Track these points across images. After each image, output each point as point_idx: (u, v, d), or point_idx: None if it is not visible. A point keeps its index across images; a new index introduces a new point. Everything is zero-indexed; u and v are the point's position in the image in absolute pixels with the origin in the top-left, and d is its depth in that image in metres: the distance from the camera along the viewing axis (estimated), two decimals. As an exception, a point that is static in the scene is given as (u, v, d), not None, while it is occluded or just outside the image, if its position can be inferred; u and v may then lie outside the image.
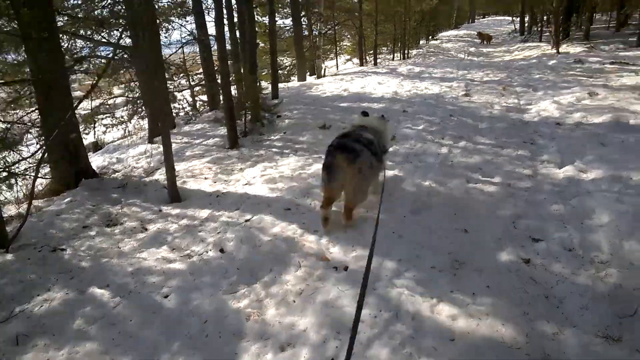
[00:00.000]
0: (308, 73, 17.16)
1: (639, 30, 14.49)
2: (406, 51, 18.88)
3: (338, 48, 19.48)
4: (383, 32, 18.22)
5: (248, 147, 6.71)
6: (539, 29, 26.63)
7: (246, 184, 5.09)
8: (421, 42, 26.87)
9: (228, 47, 7.60)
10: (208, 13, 9.47)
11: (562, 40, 16.31)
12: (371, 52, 17.43)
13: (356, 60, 20.74)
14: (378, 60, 19.79)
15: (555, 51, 15.22)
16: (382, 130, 4.47)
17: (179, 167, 6.29)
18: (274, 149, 6.39)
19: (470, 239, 3.42)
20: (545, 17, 24.02)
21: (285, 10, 14.57)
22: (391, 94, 8.52)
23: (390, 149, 5.44)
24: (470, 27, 42.34)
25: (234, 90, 7.94)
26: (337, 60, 17.43)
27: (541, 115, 6.88)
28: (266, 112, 7.68)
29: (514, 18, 30.88)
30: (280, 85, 10.96)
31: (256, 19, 17.69)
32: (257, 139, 7.07)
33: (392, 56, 19.64)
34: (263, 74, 15.38)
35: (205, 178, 5.62)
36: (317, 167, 5.22)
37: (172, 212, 4.66)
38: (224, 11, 7.16)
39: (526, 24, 26.66)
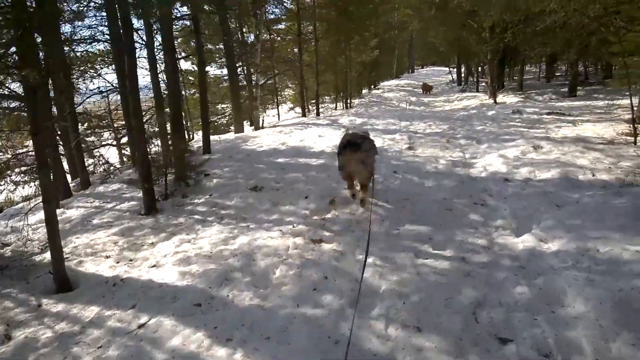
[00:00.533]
0: (248, 123, 16.61)
1: (568, 81, 15.25)
2: (349, 101, 18.90)
3: (280, 97, 19.21)
4: (325, 82, 18.20)
5: (167, 213, 5.83)
6: (475, 79, 28.06)
7: (153, 266, 4.20)
8: (364, 91, 27.37)
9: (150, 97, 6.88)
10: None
11: (498, 90, 16.93)
12: (313, 101, 17.22)
13: (299, 110, 20.55)
14: (320, 110, 19.68)
15: (492, 101, 15.69)
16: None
17: (79, 240, 5.30)
18: (196, 216, 5.55)
19: (423, 343, 2.74)
20: (480, 69, 25.29)
21: (222, 59, 14.10)
22: (332, 148, 8.00)
23: (329, 215, 4.82)
24: (410, 76, 44.31)
25: (156, 147, 7.18)
26: (278, 110, 17.04)
27: (488, 170, 6.55)
28: (193, 170, 6.88)
29: (450, 69, 32.46)
30: (215, 137, 10.24)
31: (189, 68, 17.21)
32: (180, 202, 6.20)
33: (334, 105, 19.58)
34: (200, 123, 14.67)
35: (107, 256, 4.67)
36: (243, 241, 4.45)
37: (52, 310, 3.69)
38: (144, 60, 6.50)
39: (463, 75, 27.96)
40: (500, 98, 16.20)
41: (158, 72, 8.49)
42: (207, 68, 16.56)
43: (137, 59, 10.27)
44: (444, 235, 4.31)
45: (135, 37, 8.49)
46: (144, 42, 8.20)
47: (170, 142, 6.90)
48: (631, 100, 7.65)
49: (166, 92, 8.36)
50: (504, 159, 6.94)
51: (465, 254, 3.91)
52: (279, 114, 16.77)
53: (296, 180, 6.26)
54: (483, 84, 23.39)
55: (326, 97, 20.86)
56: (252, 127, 11.86)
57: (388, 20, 29.98)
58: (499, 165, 6.67)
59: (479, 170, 6.64)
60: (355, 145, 5.06)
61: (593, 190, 5.17)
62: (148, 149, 6.22)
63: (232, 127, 16.45)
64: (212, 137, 10.14)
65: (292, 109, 20.68)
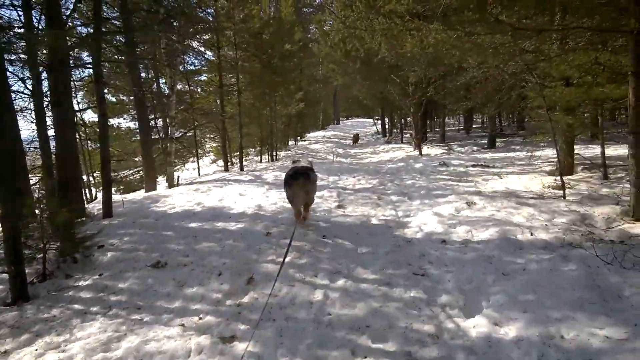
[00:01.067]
0: (165, 178, 15.40)
1: (487, 134, 15.93)
2: (274, 153, 18.38)
3: (201, 150, 18.27)
4: (249, 134, 17.61)
5: (40, 301, 4.63)
6: (399, 131, 29.04)
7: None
8: (290, 142, 27.16)
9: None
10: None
11: (422, 142, 17.30)
12: (237, 153, 16.46)
13: (222, 163, 19.65)
14: (245, 163, 18.93)
15: (418, 153, 15.91)
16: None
17: None
18: (76, 305, 4.42)
19: None
20: (403, 121, 26.20)
21: (134, 111, 13.02)
22: (254, 208, 7.23)
23: (247, 299, 3.99)
24: (336, 127, 45.30)
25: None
26: (198, 164, 16.04)
27: (424, 231, 6.10)
28: (82, 242, 5.73)
29: (375, 121, 33.51)
30: (120, 197, 9.05)
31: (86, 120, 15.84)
32: (60, 285, 5.01)
33: (259, 158, 18.95)
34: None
35: None
36: (130, 344, 3.45)
37: None
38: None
39: (387, 126, 28.82)
40: (425, 150, 16.53)
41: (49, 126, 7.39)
42: (119, 120, 15.39)
43: (22, 112, 9.14)
44: (384, 321, 3.63)
45: (19, 87, 7.36)
46: (29, 93, 7.10)
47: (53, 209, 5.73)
48: (558, 154, 7.74)
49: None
50: (438, 217, 6.56)
51: (411, 347, 3.24)
52: (199, 168, 15.75)
53: (209, 251, 5.34)
54: (407, 135, 24.14)
55: (251, 150, 20.22)
56: (167, 185, 10.76)
57: (312, 74, 30.60)
58: (435, 225, 6.25)
59: (415, 231, 6.17)
60: (302, 176, 6.02)
61: (537, 253, 4.83)
62: (19, 219, 5.04)
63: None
64: (117, 197, 8.97)
65: (214, 161, 19.74)
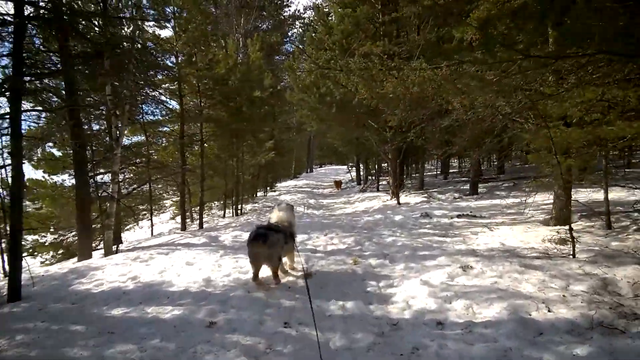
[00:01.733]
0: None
1: (469, 179, 15.10)
2: (240, 206, 17.09)
3: (158, 206, 16.83)
4: (213, 187, 16.36)
5: None
6: (375, 178, 28.23)
7: None
8: (260, 193, 25.94)
9: None
10: None
11: (400, 190, 16.37)
12: (198, 208, 15.10)
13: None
14: (206, 218, 17.54)
15: (395, 202, 14.93)
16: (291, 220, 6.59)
17: None
18: None
19: None
20: (377, 167, 25.45)
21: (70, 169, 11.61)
22: (201, 283, 5.93)
23: None
24: (308, 176, 44.46)
25: None
26: (152, 223, 14.55)
27: (412, 308, 4.90)
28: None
29: (349, 168, 32.78)
30: (40, 270, 7.57)
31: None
32: None
33: (223, 213, 17.58)
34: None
35: None
36: None
37: None
38: None
39: (362, 174, 28.00)
40: (404, 198, 15.57)
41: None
42: (63, 177, 13.89)
43: None
44: None
45: None
46: None
47: None
48: (555, 201, 6.78)
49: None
50: (429, 287, 5.38)
51: None
52: (152, 227, 14.27)
53: (123, 360, 3.94)
54: (384, 182, 23.31)
55: (215, 203, 18.87)
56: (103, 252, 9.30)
57: (286, 121, 29.92)
58: (425, 299, 5.07)
59: (401, 308, 4.96)
60: (260, 238, 5.56)
61: (564, 342, 3.71)
62: None
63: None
64: (39, 270, 7.49)
65: (174, 217, 18.29)
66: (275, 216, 6.44)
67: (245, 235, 9.70)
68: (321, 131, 23.11)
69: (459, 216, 10.35)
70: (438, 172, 25.88)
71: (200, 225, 14.64)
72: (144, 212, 15.25)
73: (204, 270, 6.53)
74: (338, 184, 27.29)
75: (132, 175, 14.55)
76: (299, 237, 9.18)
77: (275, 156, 24.68)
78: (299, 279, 6.05)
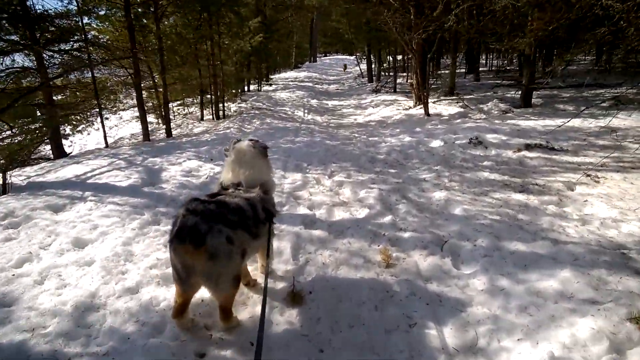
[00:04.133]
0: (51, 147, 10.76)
1: (524, 86, 11.43)
2: (223, 106, 13.56)
3: (117, 102, 13.25)
4: (183, 80, 12.70)
5: None
6: (388, 74, 24.15)
7: None
8: (252, 87, 22.14)
9: None
10: None
11: (420, 94, 12.84)
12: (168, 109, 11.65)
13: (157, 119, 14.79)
14: (178, 122, 14.12)
15: (422, 111, 11.48)
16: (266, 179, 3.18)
17: None
18: None
19: None
20: (394, 61, 21.42)
21: None
22: (74, 309, 2.85)
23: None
24: (312, 67, 39.87)
25: None
26: (103, 128, 11.14)
27: None
28: None
29: (358, 60, 28.40)
30: None
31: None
32: None
33: (200, 114, 14.10)
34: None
35: None
36: None
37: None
38: None
39: (374, 68, 23.90)
40: (433, 106, 12.05)
41: None
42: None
43: None
44: None
45: None
46: None
47: None
48: None
49: None
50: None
51: None
52: (104, 134, 10.95)
53: None
54: (401, 80, 19.54)
55: (192, 99, 15.26)
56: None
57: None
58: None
59: None
60: (193, 237, 2.37)
61: None
62: None
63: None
64: None
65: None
66: (232, 173, 3.06)
67: (207, 169, 6.51)
68: (324, 10, 18.71)
69: (528, 147, 7.05)
70: (464, 71, 21.81)
71: (168, 133, 11.34)
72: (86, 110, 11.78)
73: (96, 267, 3.40)
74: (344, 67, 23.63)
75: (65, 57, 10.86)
76: (288, 178, 6.02)
77: (267, 40, 20.53)
78: (275, 310, 2.97)
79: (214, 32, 12.66)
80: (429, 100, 11.77)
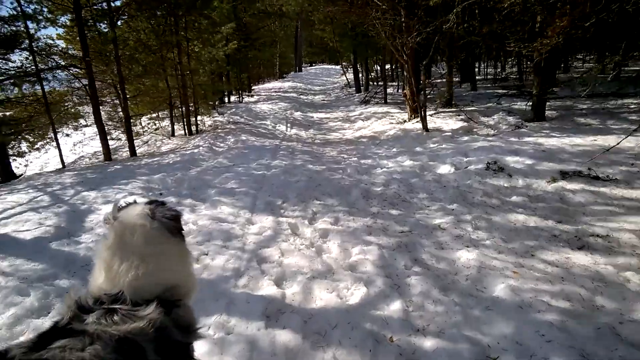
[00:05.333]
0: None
1: (532, 96, 9.97)
2: (196, 120, 11.91)
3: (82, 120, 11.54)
4: (147, 91, 11.09)
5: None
6: (376, 83, 22.76)
7: None
8: (233, 98, 20.54)
9: None
10: None
11: (424, 107, 11.42)
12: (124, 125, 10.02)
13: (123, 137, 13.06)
14: (146, 138, 12.49)
15: (420, 126, 10.01)
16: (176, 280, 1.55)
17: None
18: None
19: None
20: (379, 70, 20.06)
21: None
22: None
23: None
24: (297, 76, 38.39)
25: None
26: (59, 146, 9.48)
27: None
28: None
29: (345, 69, 26.98)
30: None
31: None
32: None
33: (171, 130, 12.43)
34: None
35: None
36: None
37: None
38: None
39: (361, 78, 22.46)
40: (431, 120, 10.58)
41: None
42: None
43: None
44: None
45: None
46: None
47: None
48: None
49: None
50: None
51: None
52: (60, 152, 9.32)
53: None
54: (391, 90, 18.13)
55: (163, 113, 13.60)
56: None
57: (263, 4, 23.46)
58: None
59: None
60: None
61: None
62: None
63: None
64: None
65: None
66: (107, 271, 1.42)
67: (167, 196, 4.94)
68: (306, 17, 17.20)
69: (564, 176, 5.56)
70: (458, 80, 20.43)
71: (131, 151, 9.76)
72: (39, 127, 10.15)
73: None
74: None
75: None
76: (253, 226, 4.45)
77: (247, 49, 19.04)
78: None
79: (181, 38, 11.08)
80: (427, 113, 10.29)
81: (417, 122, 10.66)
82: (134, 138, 11.64)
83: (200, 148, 9.17)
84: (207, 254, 3.78)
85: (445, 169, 6.27)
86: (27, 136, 10.24)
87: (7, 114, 10.01)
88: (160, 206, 1.58)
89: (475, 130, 9.27)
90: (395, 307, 2.92)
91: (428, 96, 13.53)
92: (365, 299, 3.03)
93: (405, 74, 12.28)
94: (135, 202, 1.61)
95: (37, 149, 10.76)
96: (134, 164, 7.71)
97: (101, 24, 10.13)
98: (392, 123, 11.71)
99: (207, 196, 5.45)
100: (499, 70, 22.41)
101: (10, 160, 9.73)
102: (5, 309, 2.86)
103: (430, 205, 4.97)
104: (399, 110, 13.44)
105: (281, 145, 9.36)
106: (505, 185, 5.48)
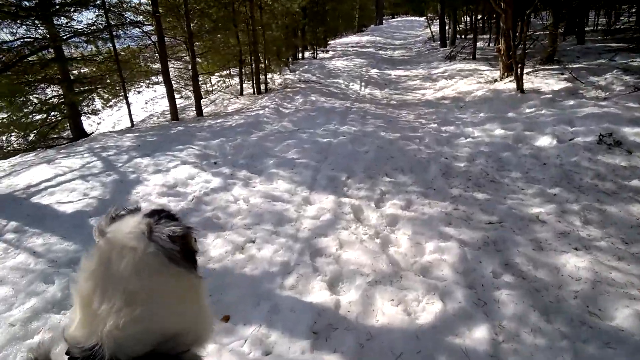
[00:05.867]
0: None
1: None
2: (265, 78, 11.43)
3: (141, 75, 11.52)
4: (217, 47, 10.72)
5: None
6: (464, 37, 20.87)
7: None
8: (307, 54, 19.84)
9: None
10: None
11: (509, 62, 10.05)
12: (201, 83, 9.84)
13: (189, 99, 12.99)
14: (214, 97, 12.26)
15: (514, 85, 8.81)
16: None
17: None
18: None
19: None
20: (470, 21, 18.26)
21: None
22: None
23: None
24: (377, 30, 36.58)
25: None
26: (128, 106, 9.55)
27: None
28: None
29: (429, 21, 25.06)
30: None
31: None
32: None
33: (239, 88, 12.06)
34: None
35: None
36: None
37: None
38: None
39: (447, 30, 20.68)
40: (527, 79, 9.26)
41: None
42: None
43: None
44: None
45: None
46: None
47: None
48: None
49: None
50: None
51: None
52: (130, 111, 9.36)
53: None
54: (484, 45, 16.44)
55: (231, 71, 13.28)
56: None
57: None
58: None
59: None
60: None
61: None
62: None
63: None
64: None
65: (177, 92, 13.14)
66: (84, 311, 0.95)
67: (200, 182, 4.55)
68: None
69: None
70: (561, 32, 18.03)
71: (198, 111, 9.60)
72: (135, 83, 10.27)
73: None
74: None
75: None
76: (310, 207, 3.91)
77: (325, 1, 18.06)
78: None
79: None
80: (524, 71, 8.96)
81: (510, 81, 9.42)
82: (203, 97, 11.46)
83: (266, 109, 8.70)
84: (254, 242, 3.31)
85: (544, 140, 5.26)
86: (101, 93, 10.36)
87: (83, 71, 10.16)
88: (164, 220, 1.05)
89: (582, 92, 7.91)
90: (480, 333, 2.25)
91: (526, 51, 11.95)
92: (441, 318, 2.39)
93: (501, 24, 10.82)
94: (136, 209, 1.10)
95: (110, 106, 10.93)
96: (196, 126, 7.44)
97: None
98: (480, 82, 10.49)
99: (264, 167, 4.97)
100: (612, 20, 19.52)
101: (83, 119, 9.94)
102: (25, 298, 2.59)
103: (526, 189, 4.09)
104: (489, 68, 12.05)
105: (352, 107, 8.63)
106: (624, 164, 4.42)
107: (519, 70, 8.72)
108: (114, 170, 4.93)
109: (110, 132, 8.54)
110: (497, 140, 5.48)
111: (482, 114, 7.12)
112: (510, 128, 5.89)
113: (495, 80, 10.36)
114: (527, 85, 8.75)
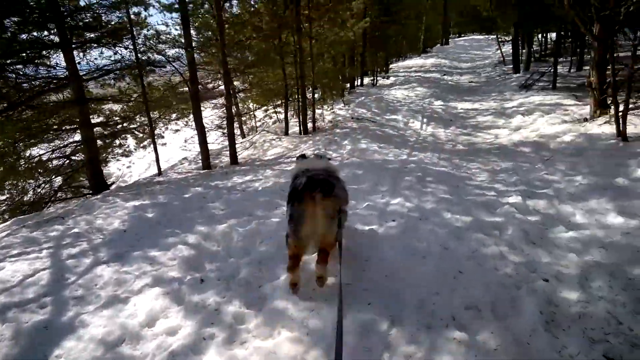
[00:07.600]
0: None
1: None
2: (313, 115, 10.11)
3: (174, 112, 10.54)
4: (260, 84, 9.59)
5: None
6: (539, 56, 18.58)
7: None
8: (366, 80, 18.42)
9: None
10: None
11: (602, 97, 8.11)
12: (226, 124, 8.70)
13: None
14: (254, 140, 11.07)
15: (612, 130, 6.93)
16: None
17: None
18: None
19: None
20: (546, 43, 16.15)
21: None
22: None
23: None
24: (442, 51, 34.49)
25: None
26: (156, 151, 8.62)
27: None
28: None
29: (500, 42, 22.80)
30: None
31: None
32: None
33: (284, 128, 10.75)
34: None
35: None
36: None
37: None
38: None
39: (521, 52, 18.50)
40: (630, 122, 7.24)
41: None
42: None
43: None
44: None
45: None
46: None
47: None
48: None
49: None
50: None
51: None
52: (157, 158, 8.42)
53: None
54: (564, 71, 14.30)
55: (273, 108, 12.04)
56: None
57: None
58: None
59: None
60: (324, 187, 2.81)
61: None
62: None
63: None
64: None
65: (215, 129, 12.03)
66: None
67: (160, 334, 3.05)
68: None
69: None
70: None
71: (232, 158, 8.45)
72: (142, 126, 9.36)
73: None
74: None
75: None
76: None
77: (387, 25, 16.60)
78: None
79: (303, 19, 9.23)
80: (625, 109, 6.97)
81: (605, 122, 7.53)
82: (247, 134, 10.35)
83: (312, 151, 7.38)
84: None
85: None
86: (135, 132, 9.51)
87: (114, 108, 9.39)
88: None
89: None
90: None
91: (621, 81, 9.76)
92: None
93: (592, 55, 8.84)
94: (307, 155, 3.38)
95: (144, 146, 9.97)
96: (218, 185, 6.21)
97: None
98: (566, 122, 8.59)
99: (270, 292, 3.12)
100: None
101: (112, 162, 9.15)
102: None
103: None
104: (575, 102, 10.05)
105: (409, 159, 7.05)
106: None
107: (616, 107, 6.84)
108: (55, 295, 3.33)
109: (122, 187, 7.58)
110: (618, 240, 3.62)
111: (579, 178, 5.27)
112: (630, 212, 4.06)
113: (585, 120, 8.44)
114: (630, 129, 6.81)
